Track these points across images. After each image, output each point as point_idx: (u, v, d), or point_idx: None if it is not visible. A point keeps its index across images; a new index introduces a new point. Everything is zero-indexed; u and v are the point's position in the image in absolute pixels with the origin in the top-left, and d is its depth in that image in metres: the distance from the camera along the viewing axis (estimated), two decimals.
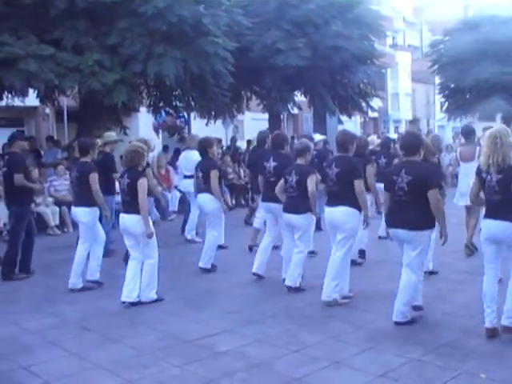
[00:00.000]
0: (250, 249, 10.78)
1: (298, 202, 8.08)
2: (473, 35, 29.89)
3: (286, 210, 8.29)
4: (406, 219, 6.58)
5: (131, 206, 7.81)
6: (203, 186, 9.65)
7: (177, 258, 10.49)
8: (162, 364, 5.90)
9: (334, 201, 7.67)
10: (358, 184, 7.50)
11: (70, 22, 14.06)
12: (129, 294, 7.80)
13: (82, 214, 8.78)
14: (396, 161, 10.74)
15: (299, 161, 8.29)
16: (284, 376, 5.53)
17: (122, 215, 8.01)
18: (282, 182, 8.39)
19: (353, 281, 7.87)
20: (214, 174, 9.52)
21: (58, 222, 13.89)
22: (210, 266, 9.64)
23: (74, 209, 9.04)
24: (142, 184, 7.79)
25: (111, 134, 11.46)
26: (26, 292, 8.89)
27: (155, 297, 7.95)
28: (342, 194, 7.55)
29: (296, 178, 8.10)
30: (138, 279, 7.88)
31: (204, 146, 9.94)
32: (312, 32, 19.88)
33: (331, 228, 7.76)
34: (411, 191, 6.54)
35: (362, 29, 21.54)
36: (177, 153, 16.97)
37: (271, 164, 8.97)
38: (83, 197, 8.77)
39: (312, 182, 8.01)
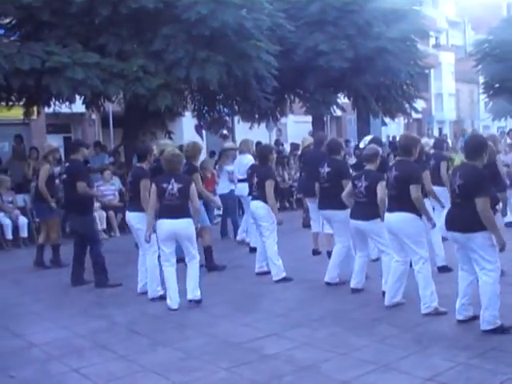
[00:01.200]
0: (314, 253, 10.74)
1: (367, 208, 7.97)
2: None
3: (354, 216, 8.19)
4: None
5: (182, 209, 7.88)
6: (256, 192, 9.66)
7: (223, 261, 10.55)
8: (210, 367, 5.94)
9: (392, 206, 7.54)
10: (414, 189, 7.30)
11: (114, 29, 14.29)
12: (176, 300, 7.96)
13: (137, 220, 8.72)
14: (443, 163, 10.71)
15: (368, 166, 8.19)
16: (331, 379, 5.54)
17: (167, 221, 7.96)
18: (349, 186, 8.33)
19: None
20: (270, 184, 9.46)
21: (105, 226, 14.12)
22: (284, 275, 9.37)
23: (128, 214, 9.02)
24: (194, 188, 7.91)
25: (167, 142, 11.51)
26: (75, 296, 9.03)
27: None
28: (400, 199, 7.39)
29: (365, 184, 8.01)
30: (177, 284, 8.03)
31: (265, 153, 9.93)
32: (355, 33, 19.80)
33: (389, 234, 7.64)
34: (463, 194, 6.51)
35: (405, 30, 21.38)
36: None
37: (325, 170, 8.99)
38: (137, 202, 8.72)
39: (382, 188, 7.83)
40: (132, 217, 8.85)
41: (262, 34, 15.80)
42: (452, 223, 6.65)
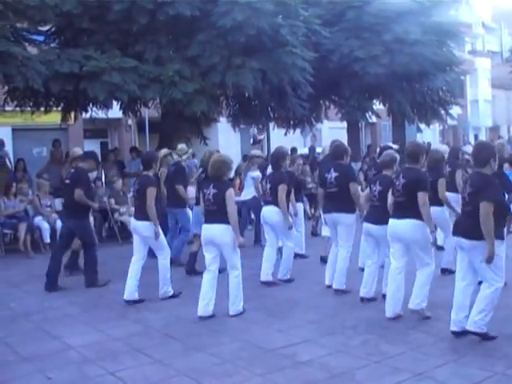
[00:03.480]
0: (322, 259, 10.66)
1: (379, 213, 7.99)
2: None
3: (367, 219, 8.33)
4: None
5: (218, 215, 7.87)
6: (269, 198, 9.70)
7: (256, 267, 10.59)
8: (244, 373, 5.97)
9: (398, 212, 7.56)
10: (422, 196, 7.31)
11: (152, 36, 14.46)
12: (205, 308, 7.89)
13: (144, 228, 8.78)
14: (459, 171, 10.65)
15: (385, 172, 8.28)
16: None
17: (206, 226, 8.01)
18: (367, 190, 8.46)
19: (435, 291, 7.76)
20: (282, 188, 9.54)
21: None
22: (288, 277, 9.72)
23: (134, 222, 9.01)
24: (231, 194, 7.90)
25: (183, 147, 12.04)
26: (109, 299, 9.12)
27: (242, 309, 8.03)
28: (408, 206, 7.42)
29: (379, 189, 8.07)
30: (214, 293, 7.95)
31: (277, 158, 9.97)
32: (390, 39, 19.72)
33: (393, 240, 7.64)
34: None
35: (441, 35, 21.25)
36: None
37: (332, 175, 8.96)
38: (144, 211, 8.74)
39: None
40: (140, 226, 8.86)
41: (298, 40, 15.82)
42: (458, 229, 6.68)
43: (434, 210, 8.54)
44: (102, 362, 6.45)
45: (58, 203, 14.17)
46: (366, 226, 8.29)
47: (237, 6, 14.14)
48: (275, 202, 9.55)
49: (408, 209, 7.38)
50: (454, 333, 6.69)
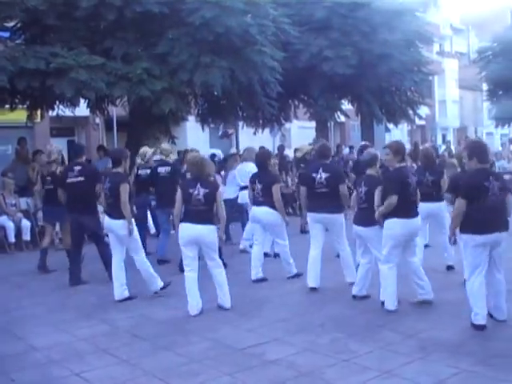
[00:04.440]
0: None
1: (366, 214, 8.00)
2: None
3: (355, 221, 8.33)
4: None
5: (207, 216, 7.86)
6: (262, 198, 9.65)
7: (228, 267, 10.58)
8: (213, 372, 5.93)
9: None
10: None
11: (120, 33, 14.33)
12: (197, 306, 7.93)
13: (120, 227, 8.67)
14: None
15: (369, 171, 8.28)
16: None
17: (191, 226, 7.93)
18: (355, 192, 8.54)
19: (403, 289, 7.80)
20: (277, 188, 9.56)
21: None
22: (295, 271, 9.68)
23: (108, 221, 8.86)
24: (221, 194, 7.96)
25: (167, 147, 12.21)
26: (77, 300, 9.02)
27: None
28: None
29: (365, 189, 8.13)
30: (197, 290, 7.97)
31: (264, 158, 9.99)
32: (359, 40, 19.80)
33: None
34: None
35: (409, 36, 21.41)
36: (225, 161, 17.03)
37: (322, 175, 8.96)
38: (119, 209, 8.67)
39: (379, 193, 7.91)
40: (115, 224, 8.74)
41: (267, 39, 15.80)
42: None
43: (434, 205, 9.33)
44: (68, 363, 6.36)
45: (24, 202, 14.02)
46: (356, 228, 8.30)
47: (206, 3, 14.08)
48: (269, 203, 9.52)
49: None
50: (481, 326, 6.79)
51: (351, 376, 5.70)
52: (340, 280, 9.04)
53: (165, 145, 12.74)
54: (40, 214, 12.94)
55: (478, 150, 6.98)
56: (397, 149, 7.87)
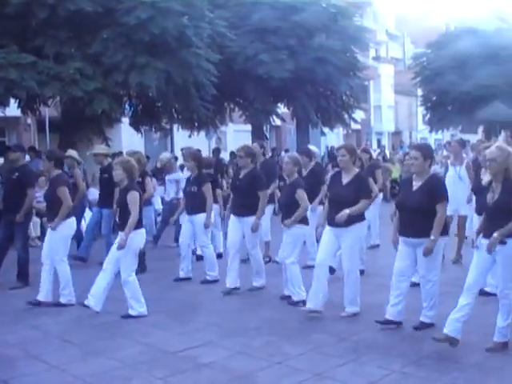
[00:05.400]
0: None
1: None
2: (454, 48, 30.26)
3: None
4: None
5: (126, 219, 7.74)
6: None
7: (158, 269, 10.47)
8: (145, 376, 5.86)
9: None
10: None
11: (52, 31, 14.08)
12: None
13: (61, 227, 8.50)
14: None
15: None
16: None
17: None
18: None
19: (335, 292, 7.84)
20: (207, 187, 9.69)
21: (39, 233, 13.77)
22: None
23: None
24: (134, 196, 7.78)
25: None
26: (6, 304, 8.77)
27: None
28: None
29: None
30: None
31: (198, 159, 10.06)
32: (295, 44, 19.94)
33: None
34: None
35: (345, 41, 21.67)
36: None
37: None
38: (57, 211, 8.50)
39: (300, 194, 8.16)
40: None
41: (203, 41, 15.80)
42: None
43: None
44: None
45: None
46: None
47: (141, 4, 14.00)
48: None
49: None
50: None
51: (284, 378, 5.70)
52: (275, 283, 9.02)
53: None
54: None
55: None
56: (352, 150, 7.82)
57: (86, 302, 7.77)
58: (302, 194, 8.18)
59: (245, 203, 8.82)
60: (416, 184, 6.88)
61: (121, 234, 7.70)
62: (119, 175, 7.90)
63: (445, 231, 6.87)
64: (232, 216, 9.13)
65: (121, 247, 7.64)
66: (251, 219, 8.79)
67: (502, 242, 5.97)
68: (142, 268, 10.35)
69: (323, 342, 6.71)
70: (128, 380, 5.78)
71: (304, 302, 7.86)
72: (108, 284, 7.81)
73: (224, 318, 7.77)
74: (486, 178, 6.38)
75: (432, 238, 6.62)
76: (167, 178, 12.94)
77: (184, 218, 10.07)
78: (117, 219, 8.04)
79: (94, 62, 14.22)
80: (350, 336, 6.86)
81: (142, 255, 10.49)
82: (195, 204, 9.71)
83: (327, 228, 7.59)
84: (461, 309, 6.16)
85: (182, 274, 9.88)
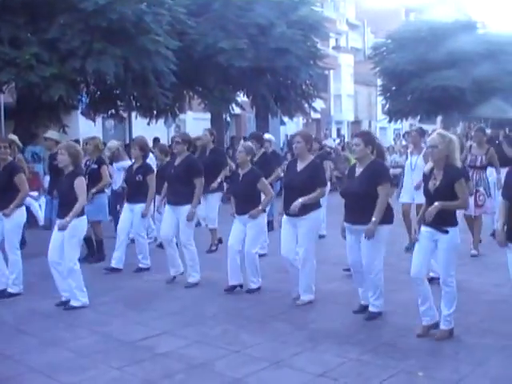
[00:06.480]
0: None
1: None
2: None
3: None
4: None
5: (70, 205, 7.62)
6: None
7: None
8: (101, 366, 5.80)
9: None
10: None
11: (8, 15, 13.78)
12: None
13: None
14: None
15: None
16: (224, 376, 5.50)
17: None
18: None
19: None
20: (151, 178, 9.65)
21: None
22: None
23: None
24: (82, 182, 7.69)
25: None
26: None
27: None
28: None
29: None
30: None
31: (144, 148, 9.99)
32: (256, 33, 19.88)
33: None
34: None
35: (305, 30, 21.67)
36: None
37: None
38: (11, 199, 8.20)
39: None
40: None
41: (162, 28, 15.65)
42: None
43: None
44: None
45: None
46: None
47: None
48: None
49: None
50: None
51: (242, 367, 5.69)
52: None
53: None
54: None
55: None
56: (307, 137, 7.76)
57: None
58: (264, 183, 8.17)
59: (180, 191, 8.60)
60: (358, 170, 6.91)
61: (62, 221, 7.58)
62: (64, 160, 7.72)
63: (389, 219, 6.89)
64: (167, 205, 8.94)
65: (63, 228, 7.47)
66: (186, 208, 8.59)
67: (444, 231, 6.05)
68: (100, 257, 10.28)
69: (281, 330, 6.72)
70: (84, 370, 5.71)
71: (259, 289, 8.08)
72: None
73: (181, 307, 7.73)
74: (428, 165, 6.40)
75: (373, 219, 6.61)
76: (115, 165, 12.61)
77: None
78: (58, 205, 7.87)
79: (51, 47, 13.97)
80: (307, 324, 6.89)
81: (99, 244, 10.42)
82: (137, 193, 9.60)
83: (284, 217, 7.57)
84: (422, 298, 6.27)
85: (113, 263, 9.54)
